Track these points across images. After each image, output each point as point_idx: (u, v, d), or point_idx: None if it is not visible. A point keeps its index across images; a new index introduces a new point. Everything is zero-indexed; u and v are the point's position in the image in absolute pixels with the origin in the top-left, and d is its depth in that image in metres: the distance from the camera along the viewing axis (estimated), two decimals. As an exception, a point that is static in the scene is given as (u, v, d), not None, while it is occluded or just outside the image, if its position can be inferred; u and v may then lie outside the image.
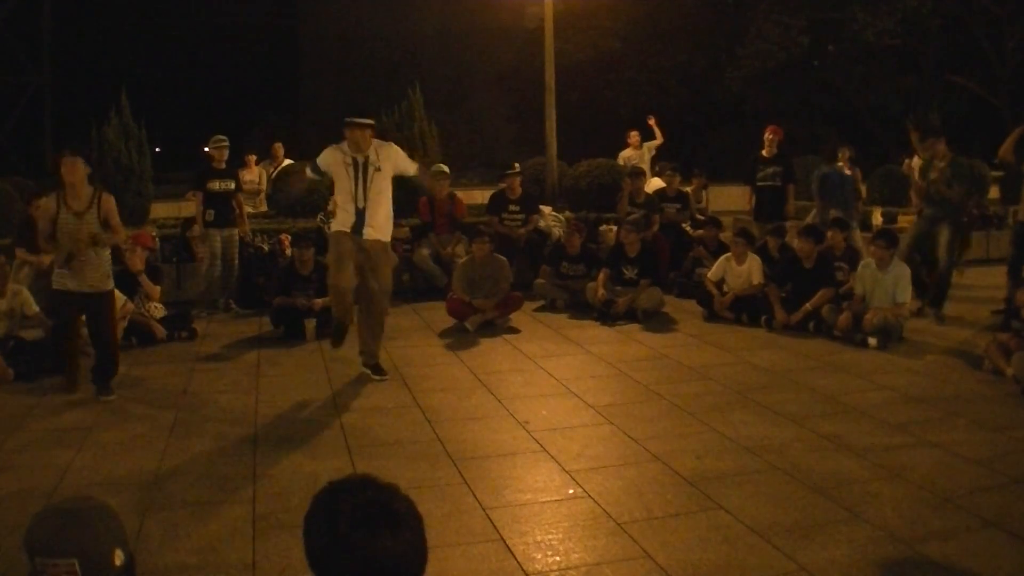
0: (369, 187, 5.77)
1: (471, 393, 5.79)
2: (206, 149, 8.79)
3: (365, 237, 5.84)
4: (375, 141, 5.86)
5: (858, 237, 9.22)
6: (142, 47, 31.94)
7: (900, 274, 7.08)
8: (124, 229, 6.01)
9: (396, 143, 11.85)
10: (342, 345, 6.17)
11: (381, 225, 5.90)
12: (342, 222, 5.90)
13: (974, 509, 3.84)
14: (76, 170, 5.45)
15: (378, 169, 5.78)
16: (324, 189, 8.81)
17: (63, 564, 1.67)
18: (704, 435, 4.89)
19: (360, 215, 5.80)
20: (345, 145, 5.81)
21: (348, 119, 5.76)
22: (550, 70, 12.24)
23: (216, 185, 8.51)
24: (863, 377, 6.07)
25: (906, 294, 7.08)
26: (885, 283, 7.09)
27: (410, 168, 6.13)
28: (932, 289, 8.02)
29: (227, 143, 8.69)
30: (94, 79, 27.47)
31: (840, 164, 9.61)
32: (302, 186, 6.34)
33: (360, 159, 5.76)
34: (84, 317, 5.88)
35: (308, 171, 6.25)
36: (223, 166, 8.66)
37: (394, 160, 5.92)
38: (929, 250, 8.11)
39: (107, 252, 5.72)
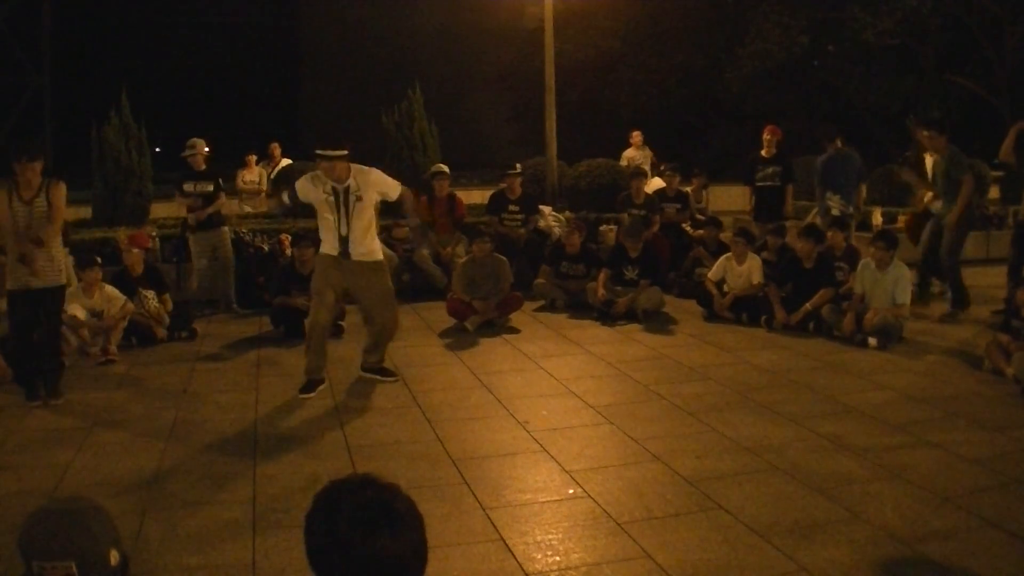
0: (352, 216, 5.62)
1: (471, 393, 5.79)
2: (181, 155, 8.66)
3: (353, 259, 5.73)
4: (354, 167, 5.65)
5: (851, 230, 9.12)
6: (142, 47, 31.92)
7: (900, 275, 7.08)
8: (64, 216, 5.81)
9: (396, 143, 11.93)
10: (312, 394, 5.77)
11: (369, 247, 5.78)
12: (328, 245, 5.78)
13: (974, 509, 3.84)
14: (32, 169, 5.44)
15: (359, 199, 5.62)
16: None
17: (61, 567, 1.66)
18: (704, 435, 4.89)
19: (344, 242, 5.68)
20: (322, 174, 5.62)
21: (319, 152, 5.54)
22: (550, 70, 12.24)
23: (190, 187, 8.44)
24: (863, 377, 6.07)
25: (906, 295, 7.09)
26: (884, 284, 7.09)
27: (393, 191, 5.88)
28: (951, 293, 8.06)
29: (197, 149, 8.50)
30: (94, 79, 27.46)
31: (839, 146, 9.37)
32: (279, 208, 6.12)
33: (340, 188, 5.59)
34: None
35: (285, 198, 5.91)
36: (202, 168, 8.54)
37: (376, 186, 5.73)
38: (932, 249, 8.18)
39: (59, 246, 5.63)
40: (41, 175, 5.52)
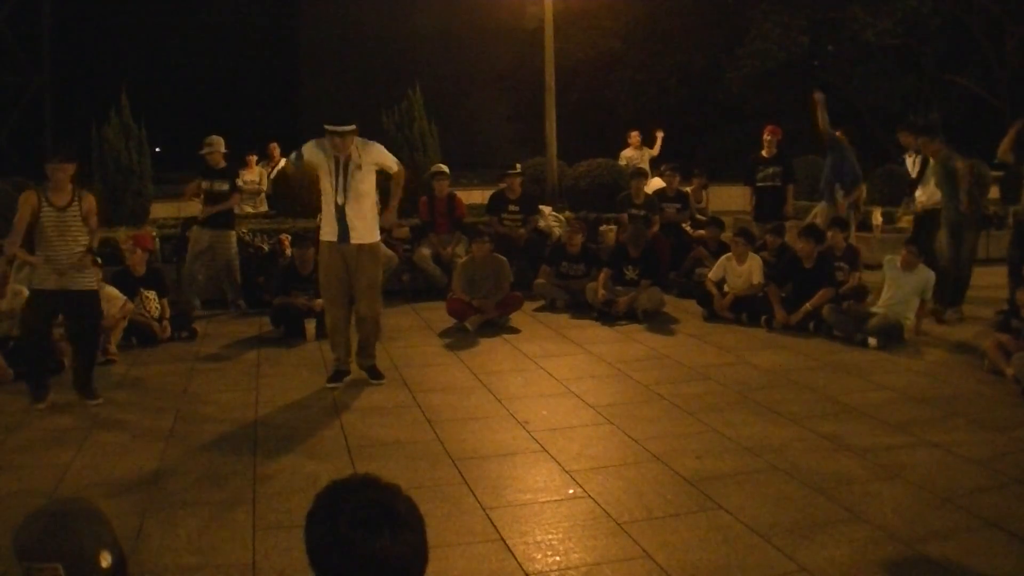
0: (349, 183, 5.75)
1: (471, 393, 5.79)
2: (200, 152, 8.74)
3: (352, 242, 5.81)
4: (358, 140, 5.81)
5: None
6: (142, 47, 31.92)
7: (928, 276, 7.22)
8: (100, 230, 5.92)
9: (396, 143, 11.93)
10: (339, 384, 6.00)
11: (367, 226, 5.85)
12: (328, 228, 5.87)
13: (974, 509, 3.84)
14: (63, 170, 5.42)
15: (359, 167, 5.76)
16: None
17: (48, 568, 1.67)
18: (704, 435, 4.89)
19: (341, 212, 5.76)
20: (326, 142, 5.79)
21: (329, 127, 5.69)
22: (550, 70, 12.24)
23: (207, 185, 8.50)
24: (863, 377, 6.07)
25: (929, 293, 7.26)
26: (907, 284, 7.13)
27: (392, 164, 6.01)
28: (948, 290, 8.10)
29: (215, 147, 8.56)
30: (94, 79, 27.47)
31: (838, 136, 9.42)
32: (293, 171, 6.33)
33: (342, 158, 5.75)
34: (63, 318, 5.73)
35: (292, 158, 6.10)
36: (221, 165, 8.63)
37: (376, 157, 5.89)
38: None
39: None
40: (72, 181, 5.48)
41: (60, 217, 5.43)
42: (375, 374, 6.08)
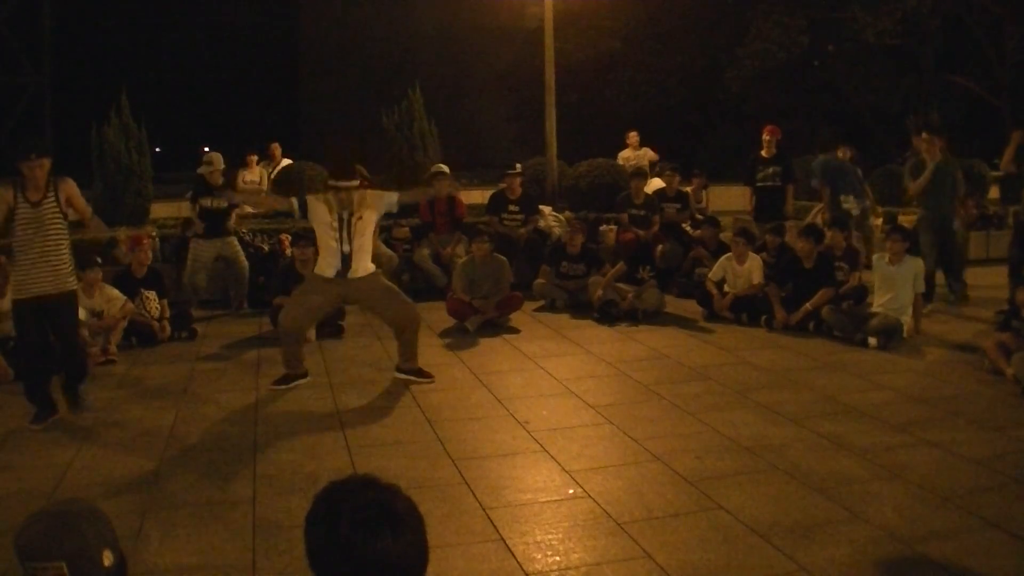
0: (353, 234, 5.79)
1: (471, 393, 5.79)
2: (198, 171, 8.70)
3: (351, 277, 5.83)
4: (356, 194, 5.83)
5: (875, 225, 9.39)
6: (142, 47, 31.95)
7: (918, 264, 7.21)
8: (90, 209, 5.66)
9: (396, 143, 11.93)
10: (287, 386, 5.93)
11: (366, 265, 5.91)
12: (327, 267, 5.85)
13: (974, 509, 3.84)
14: (41, 167, 5.12)
15: (360, 218, 5.81)
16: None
17: (52, 568, 1.68)
18: (704, 435, 4.89)
19: (346, 260, 5.81)
20: (331, 197, 5.80)
21: (333, 183, 5.79)
22: (550, 70, 12.24)
23: (208, 203, 8.53)
24: (863, 377, 6.07)
25: (922, 284, 7.24)
26: (898, 278, 7.11)
27: (391, 200, 6.07)
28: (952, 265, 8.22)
29: (214, 165, 8.54)
30: (94, 79, 27.47)
31: (839, 155, 9.61)
32: (284, 207, 6.37)
33: (345, 215, 5.79)
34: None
35: (294, 204, 5.99)
36: (219, 182, 8.60)
37: (374, 205, 5.92)
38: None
39: (68, 249, 5.30)
40: (48, 174, 5.18)
41: (35, 214, 5.11)
42: (422, 374, 6.05)
